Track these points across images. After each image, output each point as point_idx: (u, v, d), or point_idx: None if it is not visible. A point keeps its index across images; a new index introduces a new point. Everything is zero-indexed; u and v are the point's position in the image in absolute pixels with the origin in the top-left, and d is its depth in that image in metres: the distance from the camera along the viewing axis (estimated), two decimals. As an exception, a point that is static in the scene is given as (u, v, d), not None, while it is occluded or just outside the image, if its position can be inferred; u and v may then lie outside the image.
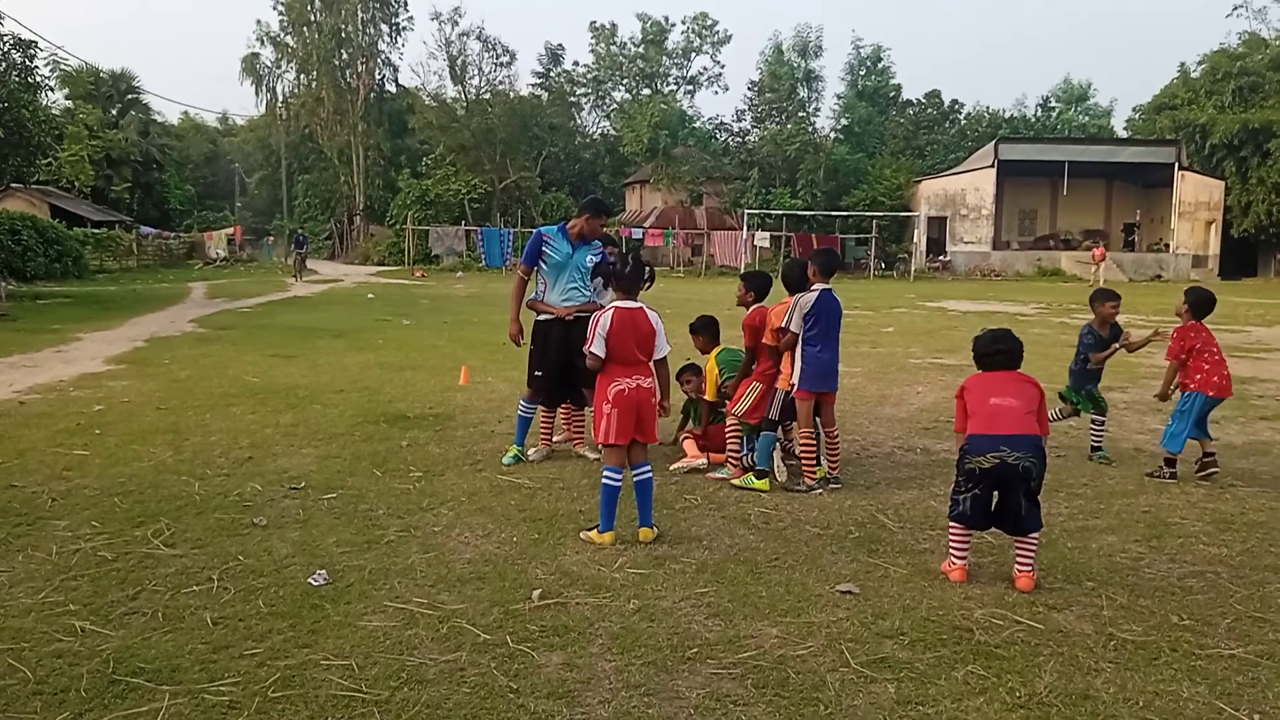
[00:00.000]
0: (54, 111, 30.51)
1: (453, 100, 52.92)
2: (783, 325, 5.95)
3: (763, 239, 42.52)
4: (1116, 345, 6.96)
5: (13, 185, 26.30)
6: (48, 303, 21.18)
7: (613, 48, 61.21)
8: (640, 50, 60.46)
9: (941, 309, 23.29)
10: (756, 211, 44.90)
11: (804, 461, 6.02)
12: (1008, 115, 60.56)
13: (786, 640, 3.72)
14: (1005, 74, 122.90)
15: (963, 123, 58.51)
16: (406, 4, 56.29)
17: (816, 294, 5.94)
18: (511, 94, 53.31)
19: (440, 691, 3.28)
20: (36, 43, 22.36)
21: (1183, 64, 50.14)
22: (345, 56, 55.71)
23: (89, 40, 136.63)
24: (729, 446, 6.27)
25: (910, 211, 45.65)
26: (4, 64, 21.28)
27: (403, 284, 32.62)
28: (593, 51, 61.82)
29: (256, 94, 59.55)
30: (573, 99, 62.27)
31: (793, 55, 56.53)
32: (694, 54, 61.20)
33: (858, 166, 50.00)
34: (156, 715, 3.11)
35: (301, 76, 57.30)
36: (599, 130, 64.83)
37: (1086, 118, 64.08)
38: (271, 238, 62.89)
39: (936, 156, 53.80)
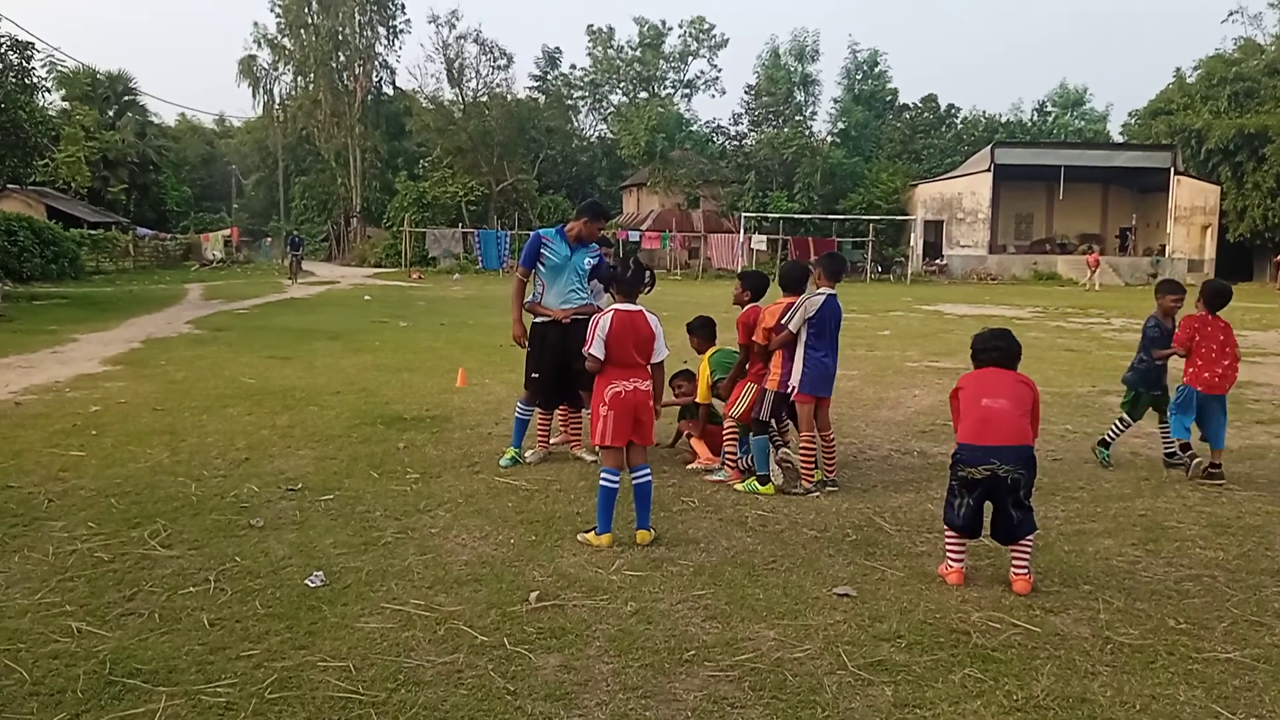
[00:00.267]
0: (51, 113, 30.39)
1: (450, 103, 53.07)
2: (778, 323, 5.94)
3: (759, 242, 42.54)
4: (1175, 349, 6.64)
5: (9, 186, 26.22)
6: (44, 304, 21.14)
7: (610, 51, 61.38)
8: (637, 54, 60.62)
9: (938, 312, 23.34)
10: (753, 214, 45.02)
11: (803, 464, 6.02)
12: (1004, 119, 60.83)
13: (784, 643, 3.72)
14: (1001, 78, 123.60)
15: (959, 127, 58.63)
16: (404, 7, 56.59)
17: (823, 298, 5.94)
18: (509, 97, 53.45)
19: (437, 693, 3.27)
20: (33, 44, 22.38)
21: (1178, 69, 50.43)
22: (342, 59, 55.79)
23: (86, 41, 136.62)
24: (726, 449, 6.28)
25: (906, 215, 45.75)
26: (1, 65, 21.25)
27: (399, 286, 32.60)
28: (590, 55, 62.09)
29: (253, 96, 59.73)
30: (570, 102, 62.36)
31: (790, 59, 56.64)
32: (691, 58, 61.53)
33: (854, 170, 50.12)
34: (153, 716, 3.10)
35: (299, 78, 57.38)
36: (596, 133, 64.99)
37: (1082, 122, 64.20)
38: (269, 239, 62.81)
39: (933, 160, 53.89)
